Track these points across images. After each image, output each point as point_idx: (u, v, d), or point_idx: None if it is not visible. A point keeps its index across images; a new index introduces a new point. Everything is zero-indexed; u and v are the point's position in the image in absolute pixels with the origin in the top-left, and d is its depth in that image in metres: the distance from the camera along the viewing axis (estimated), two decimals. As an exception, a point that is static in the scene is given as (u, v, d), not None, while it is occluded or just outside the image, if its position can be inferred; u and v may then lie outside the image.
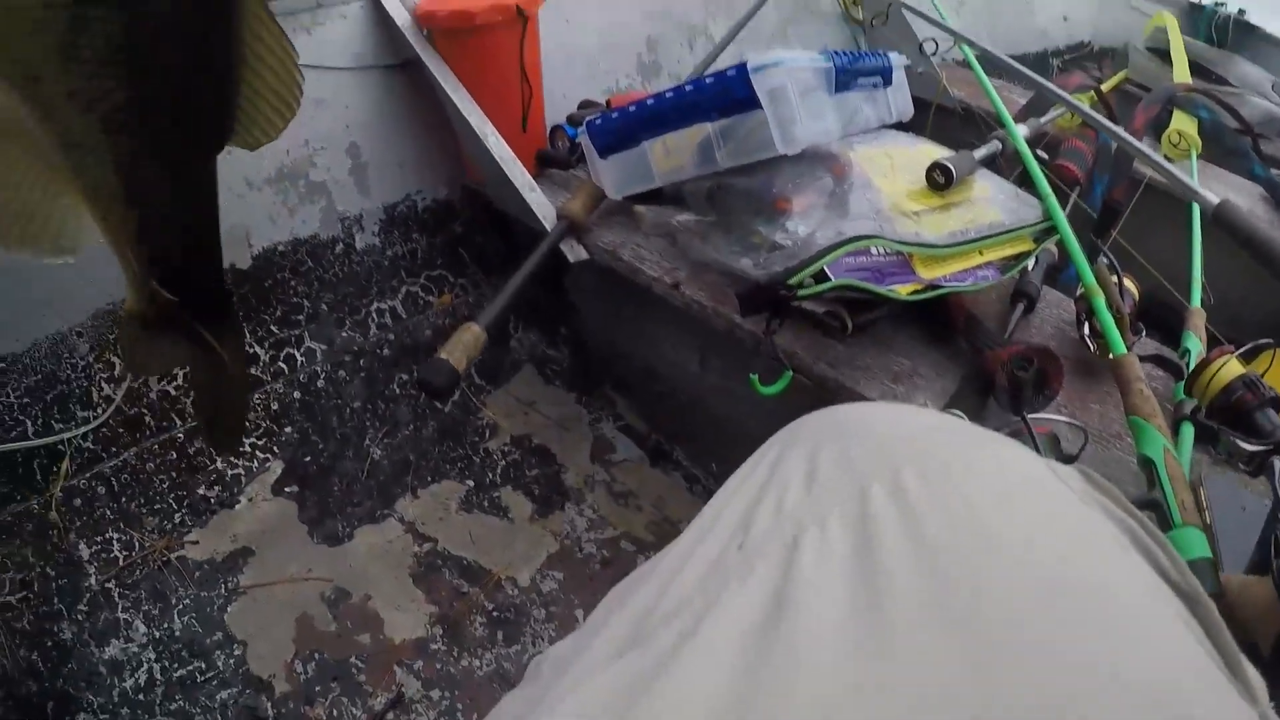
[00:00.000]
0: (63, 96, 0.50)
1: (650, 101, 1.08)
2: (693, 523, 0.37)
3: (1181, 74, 1.95)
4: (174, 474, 1.15)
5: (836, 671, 0.25)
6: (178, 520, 1.12)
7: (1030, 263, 1.03)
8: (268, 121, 0.61)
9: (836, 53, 1.06)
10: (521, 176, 1.27)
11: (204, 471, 1.17)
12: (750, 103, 0.98)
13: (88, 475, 1.10)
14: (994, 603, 0.27)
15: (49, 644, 0.97)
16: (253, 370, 1.24)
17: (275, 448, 1.22)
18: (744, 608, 0.28)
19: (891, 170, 1.04)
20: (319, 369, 1.30)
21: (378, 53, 1.34)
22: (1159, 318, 1.09)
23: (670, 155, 1.09)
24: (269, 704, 0.97)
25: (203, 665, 0.99)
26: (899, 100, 1.21)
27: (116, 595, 1.04)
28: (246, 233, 1.24)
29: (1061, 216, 1.01)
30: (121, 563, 1.06)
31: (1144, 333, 0.92)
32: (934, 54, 1.64)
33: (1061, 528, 0.31)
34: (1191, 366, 0.84)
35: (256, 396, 1.23)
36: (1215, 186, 1.54)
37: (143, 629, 1.02)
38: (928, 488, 0.31)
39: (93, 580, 1.04)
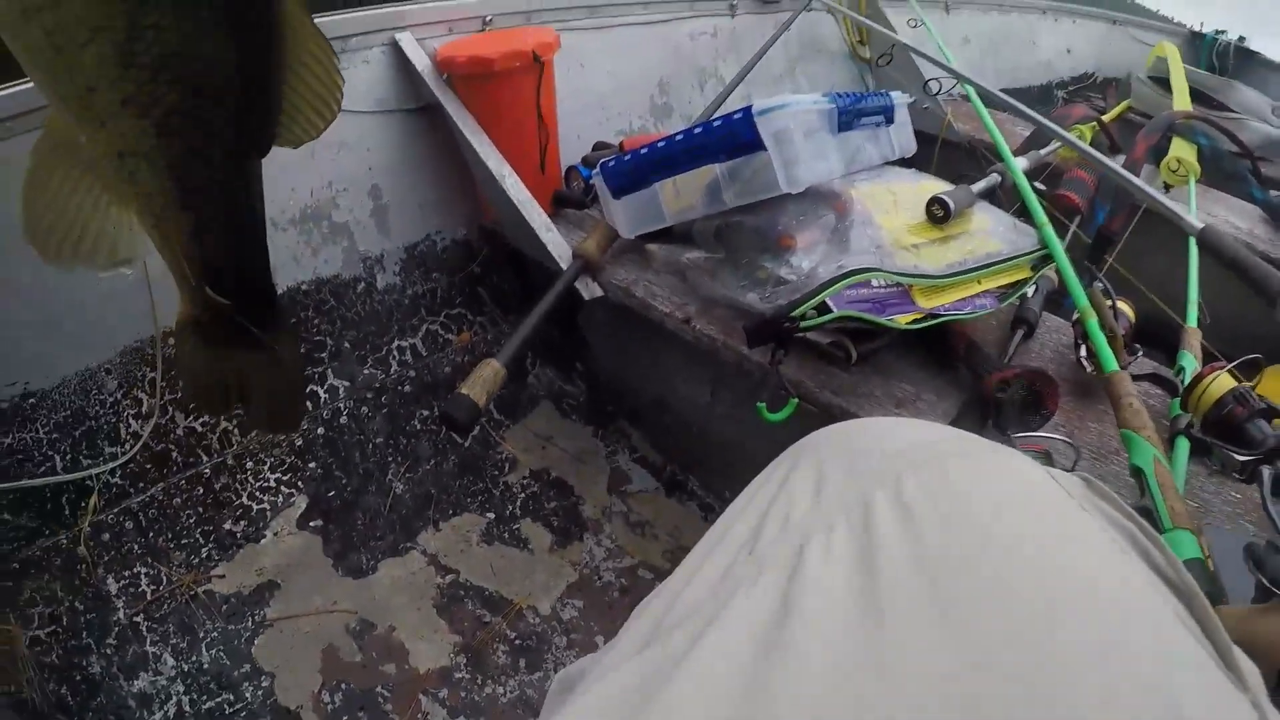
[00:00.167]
0: (118, 104, 0.50)
1: (661, 144, 1.11)
2: (705, 536, 0.39)
3: (1182, 102, 1.99)
4: (200, 509, 1.17)
5: (839, 671, 0.27)
6: (204, 554, 1.15)
7: (1030, 290, 1.06)
8: (309, 121, 0.61)
9: (839, 94, 1.10)
10: (538, 217, 1.31)
11: (230, 506, 1.19)
12: (755, 145, 1.01)
13: (116, 510, 1.12)
14: (991, 603, 0.28)
15: (78, 678, 0.99)
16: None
17: (300, 483, 1.25)
18: (752, 610, 0.30)
19: (894, 206, 1.07)
20: (342, 405, 1.33)
21: (399, 97, 1.38)
22: (1158, 337, 1.11)
23: (680, 195, 1.12)
24: (297, 735, 0.98)
25: (231, 697, 1.01)
26: (902, 137, 1.24)
27: (145, 629, 1.05)
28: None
29: (1057, 244, 1.04)
30: (149, 597, 1.08)
31: (1140, 352, 0.94)
32: (939, 92, 1.68)
33: (1060, 531, 0.32)
34: (1186, 383, 0.86)
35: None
36: (1215, 210, 1.57)
37: (171, 662, 1.03)
38: (929, 494, 0.32)
39: (121, 614, 1.05)
